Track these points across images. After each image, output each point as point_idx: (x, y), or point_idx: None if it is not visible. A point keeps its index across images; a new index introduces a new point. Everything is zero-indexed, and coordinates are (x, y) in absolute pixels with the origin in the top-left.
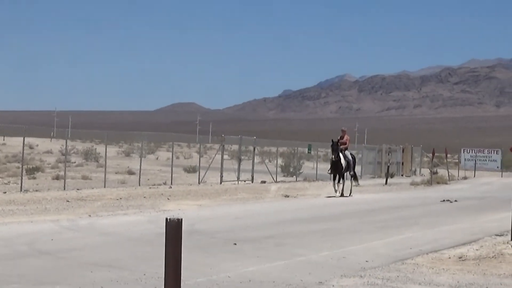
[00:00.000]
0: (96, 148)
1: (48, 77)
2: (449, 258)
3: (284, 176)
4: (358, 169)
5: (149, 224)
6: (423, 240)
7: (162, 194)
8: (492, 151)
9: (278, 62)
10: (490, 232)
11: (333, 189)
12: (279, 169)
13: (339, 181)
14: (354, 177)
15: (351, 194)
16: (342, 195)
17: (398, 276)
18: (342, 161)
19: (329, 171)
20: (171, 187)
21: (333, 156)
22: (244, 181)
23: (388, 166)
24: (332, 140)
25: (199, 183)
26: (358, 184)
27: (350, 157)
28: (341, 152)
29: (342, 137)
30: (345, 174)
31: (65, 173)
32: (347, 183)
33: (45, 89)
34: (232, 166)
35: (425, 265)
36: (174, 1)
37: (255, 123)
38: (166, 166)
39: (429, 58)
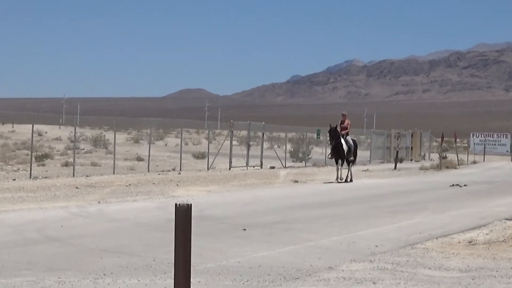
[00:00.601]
0: (105, 135)
1: (57, 64)
2: (459, 242)
3: (293, 161)
4: (367, 154)
5: (158, 210)
6: (433, 225)
7: (171, 180)
8: (502, 135)
9: (286, 47)
10: (499, 216)
11: (336, 174)
12: (288, 155)
13: (341, 166)
14: (353, 162)
15: (351, 179)
16: (345, 180)
17: (408, 261)
18: (344, 146)
19: (329, 156)
20: (180, 173)
21: (330, 142)
22: (253, 166)
23: (397, 151)
24: (330, 125)
25: (208, 169)
26: (350, 172)
27: (351, 142)
28: (342, 137)
29: (343, 122)
30: (349, 159)
31: (74, 159)
32: (346, 168)
33: (53, 76)
34: (241, 152)
35: (435, 250)
36: None
37: (264, 108)
38: (175, 152)
39: (437, 42)
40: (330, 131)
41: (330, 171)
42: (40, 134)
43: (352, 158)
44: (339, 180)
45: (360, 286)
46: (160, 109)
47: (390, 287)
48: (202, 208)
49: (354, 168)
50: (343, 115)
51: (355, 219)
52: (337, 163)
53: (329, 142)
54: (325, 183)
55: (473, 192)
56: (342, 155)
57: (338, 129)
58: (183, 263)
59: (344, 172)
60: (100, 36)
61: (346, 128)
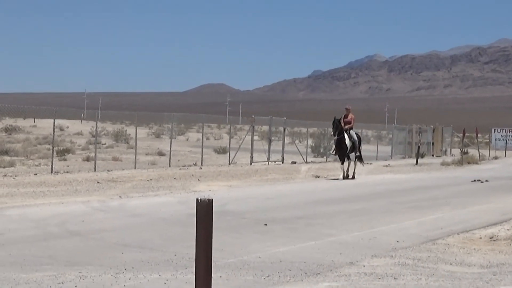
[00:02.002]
0: (126, 130)
1: (79, 59)
2: (480, 238)
3: (314, 156)
4: (388, 149)
5: (179, 205)
6: (454, 220)
7: (192, 175)
8: None
9: (307, 42)
10: None
11: (341, 171)
12: (309, 150)
13: (342, 162)
14: (359, 158)
15: (355, 176)
16: (347, 177)
17: (429, 257)
18: (347, 141)
19: (333, 152)
20: (201, 168)
21: (333, 133)
22: (275, 161)
23: (419, 146)
24: (335, 117)
25: (229, 164)
26: (363, 166)
27: (355, 137)
28: (346, 132)
29: (346, 116)
30: (350, 154)
31: (95, 154)
32: (352, 164)
33: (75, 71)
34: (262, 147)
35: (456, 245)
36: None
37: (285, 103)
38: (196, 147)
39: (459, 37)
40: (334, 123)
41: (352, 166)
42: (61, 129)
43: (358, 153)
44: (343, 176)
45: (381, 281)
46: (181, 104)
47: (411, 282)
48: (223, 203)
49: (375, 163)
50: (347, 109)
51: (376, 215)
52: (341, 159)
53: (332, 133)
54: (328, 180)
55: (495, 187)
56: (344, 150)
57: (342, 123)
58: (204, 258)
59: (346, 167)
60: (122, 30)
61: (350, 123)
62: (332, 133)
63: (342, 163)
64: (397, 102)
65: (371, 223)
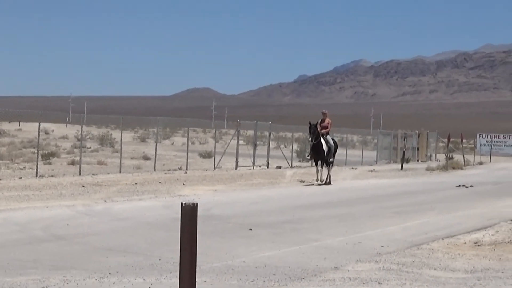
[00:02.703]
0: (111, 134)
1: (64, 63)
2: (465, 243)
3: (299, 161)
4: (373, 154)
5: (164, 209)
6: (439, 225)
7: (177, 179)
8: (508, 136)
9: (293, 47)
10: (506, 217)
11: (316, 176)
12: (294, 154)
13: (321, 167)
14: (332, 163)
15: (331, 181)
16: (325, 182)
17: (413, 261)
18: (324, 146)
19: (308, 156)
20: (186, 172)
21: (310, 139)
22: (260, 166)
23: (404, 152)
24: (310, 122)
25: (214, 168)
26: (328, 174)
27: (332, 142)
28: (323, 137)
29: (323, 121)
30: (329, 160)
31: (80, 158)
32: (326, 169)
33: (61, 75)
34: (248, 152)
35: (440, 250)
36: None
37: (271, 108)
38: (182, 152)
39: (444, 43)
40: (310, 128)
41: (337, 171)
42: (46, 133)
43: (331, 159)
44: (319, 182)
45: (365, 286)
46: (167, 108)
47: (396, 287)
48: (208, 207)
49: (360, 168)
50: (323, 114)
51: (361, 219)
52: (316, 164)
53: (309, 139)
54: (306, 185)
55: (480, 193)
56: (322, 155)
57: (318, 128)
58: (189, 262)
59: (324, 173)
60: (108, 34)
61: (327, 127)
62: (309, 138)
63: (317, 167)
64: (382, 107)
65: (356, 228)
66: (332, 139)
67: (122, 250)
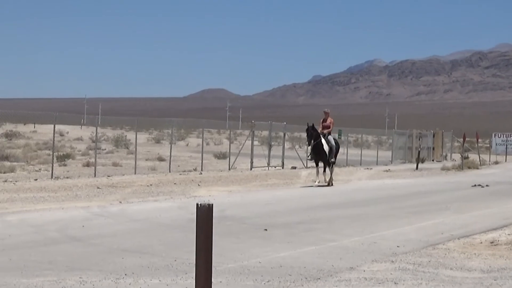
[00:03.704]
0: (126, 135)
1: (79, 64)
2: (481, 243)
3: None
4: (388, 154)
5: (179, 210)
6: (455, 225)
7: (192, 180)
8: None
9: (307, 47)
10: None
11: (316, 177)
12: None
13: (324, 169)
14: (333, 163)
15: (333, 183)
16: (328, 184)
17: (429, 261)
18: (325, 146)
19: (309, 156)
20: (201, 173)
21: (308, 142)
22: (275, 167)
23: (419, 151)
24: (308, 124)
25: (229, 169)
26: (331, 175)
27: (333, 142)
28: (324, 137)
29: (325, 120)
30: (330, 161)
31: (95, 160)
32: (328, 170)
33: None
34: (263, 152)
35: (456, 250)
36: None
37: (285, 108)
38: (197, 153)
39: (459, 42)
40: (307, 130)
41: (352, 171)
42: (61, 134)
43: (333, 159)
44: (318, 183)
45: (381, 286)
46: (181, 109)
47: (412, 287)
48: (224, 208)
49: (376, 168)
50: (325, 113)
51: (376, 220)
52: (317, 165)
53: (307, 143)
54: (302, 187)
55: (495, 192)
56: (323, 156)
57: (320, 127)
58: (204, 263)
59: (327, 174)
60: (122, 36)
61: (329, 127)
62: (307, 142)
63: (317, 168)
64: (397, 107)
65: (371, 228)
66: (334, 139)
67: (137, 251)
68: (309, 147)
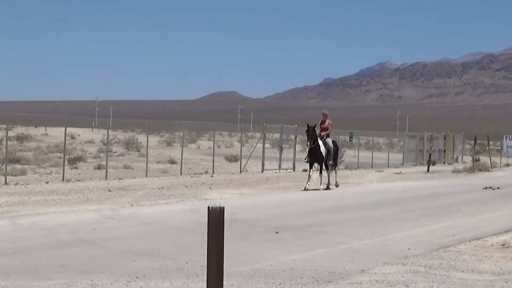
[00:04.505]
0: (137, 138)
1: (90, 67)
2: (492, 245)
3: None
4: (399, 156)
5: (191, 213)
6: (466, 228)
7: (203, 183)
8: None
9: (319, 50)
10: None
11: (307, 180)
12: None
13: (321, 172)
14: (333, 166)
15: (330, 186)
16: (327, 187)
17: (440, 264)
18: (322, 148)
19: (306, 159)
20: (212, 176)
21: (308, 143)
22: (286, 169)
23: (430, 154)
24: (308, 125)
25: (240, 172)
26: (335, 176)
27: (331, 144)
28: (321, 139)
29: (323, 122)
30: (328, 163)
31: (106, 162)
32: (325, 174)
33: (86, 79)
34: (274, 155)
35: (467, 253)
36: None
37: (296, 111)
38: (208, 155)
39: (470, 44)
40: (307, 131)
41: (363, 174)
42: (72, 137)
43: (331, 162)
44: (307, 187)
45: None
46: (193, 112)
47: None
48: (235, 211)
49: (387, 171)
50: (324, 115)
51: (387, 222)
52: (311, 167)
53: (307, 144)
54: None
55: (506, 194)
56: (320, 159)
57: (318, 129)
58: (216, 266)
59: (324, 177)
60: (132, 38)
61: (327, 129)
62: (307, 143)
63: (310, 170)
64: (408, 110)
65: (382, 231)
66: (333, 141)
67: (149, 254)
68: (307, 149)
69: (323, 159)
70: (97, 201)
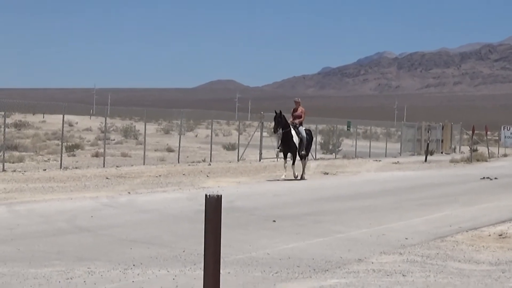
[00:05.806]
0: (135, 126)
1: (88, 55)
2: (489, 235)
3: (323, 153)
4: (397, 146)
5: (188, 201)
6: (463, 218)
7: (201, 171)
8: None
9: (317, 39)
10: None
11: (283, 170)
12: (318, 146)
13: (293, 162)
14: (305, 156)
15: (304, 176)
16: (301, 177)
17: (437, 254)
18: (295, 137)
19: (278, 149)
20: (210, 164)
21: (274, 129)
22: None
23: (428, 144)
24: (275, 111)
25: (238, 160)
26: (303, 169)
27: (304, 133)
28: (295, 128)
29: (295, 110)
30: (301, 153)
31: (104, 150)
32: (299, 163)
33: (84, 67)
34: (271, 144)
35: (465, 243)
36: None
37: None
38: (205, 144)
39: (469, 34)
40: (275, 118)
41: (361, 163)
42: (70, 125)
43: (303, 152)
44: (285, 178)
45: (389, 278)
46: (191, 100)
47: (420, 279)
48: (232, 199)
49: (384, 160)
50: (296, 102)
51: (384, 212)
52: (285, 157)
53: (273, 130)
54: (269, 180)
55: (504, 185)
56: (293, 148)
57: (291, 118)
58: (213, 254)
59: (296, 168)
60: (131, 26)
61: (300, 117)
62: (273, 130)
63: (285, 160)
64: (406, 99)
65: (380, 220)
66: (306, 130)
67: (146, 241)
68: (278, 138)
69: (296, 148)
70: (94, 189)
